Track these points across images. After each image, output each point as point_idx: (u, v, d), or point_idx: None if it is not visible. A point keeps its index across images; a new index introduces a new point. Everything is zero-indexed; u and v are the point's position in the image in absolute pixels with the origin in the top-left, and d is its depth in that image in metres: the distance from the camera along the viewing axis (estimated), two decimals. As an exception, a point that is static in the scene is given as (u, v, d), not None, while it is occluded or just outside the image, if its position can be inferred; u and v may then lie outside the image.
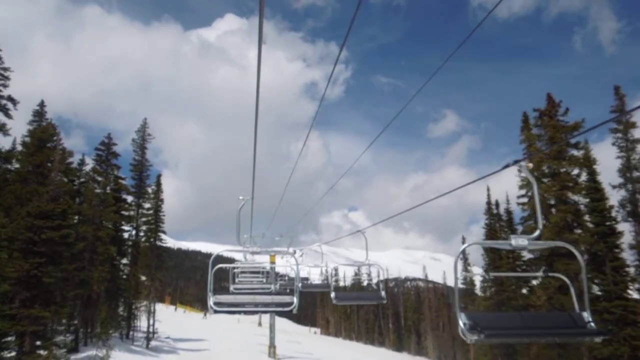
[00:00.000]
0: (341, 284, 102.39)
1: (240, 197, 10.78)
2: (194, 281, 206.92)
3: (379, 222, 10.20)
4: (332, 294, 10.41)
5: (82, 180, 35.58)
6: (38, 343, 21.49)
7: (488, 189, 38.71)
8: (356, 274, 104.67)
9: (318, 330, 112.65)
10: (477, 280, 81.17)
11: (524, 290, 32.04)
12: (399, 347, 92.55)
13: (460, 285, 78.42)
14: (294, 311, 8.03)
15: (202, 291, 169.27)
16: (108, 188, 35.66)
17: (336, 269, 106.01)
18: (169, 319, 70.48)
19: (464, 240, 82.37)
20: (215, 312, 7.78)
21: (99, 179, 34.47)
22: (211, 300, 7.72)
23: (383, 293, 11.03)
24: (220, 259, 8.31)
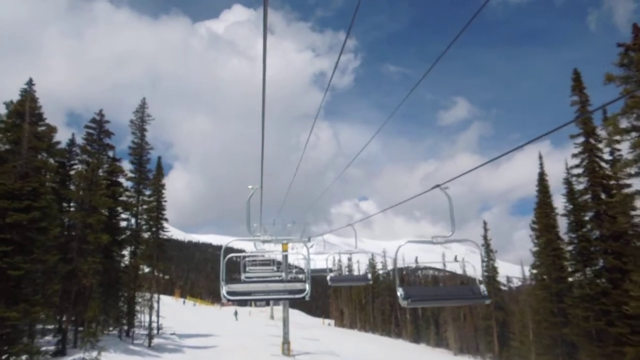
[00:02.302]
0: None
1: (250, 186, 10.84)
2: (204, 273, 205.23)
3: (461, 175, 6.37)
4: (400, 292, 6.25)
5: (72, 162, 32.06)
6: (12, 348, 17.94)
7: (540, 157, 33.30)
8: (371, 264, 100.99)
9: (332, 321, 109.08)
10: (503, 267, 77.15)
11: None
12: (416, 338, 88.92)
13: (486, 274, 74.44)
14: (307, 298, 7.89)
15: (213, 283, 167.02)
16: (100, 171, 31.98)
17: (339, 258, 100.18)
18: (177, 313, 67.14)
19: (485, 226, 78.13)
20: (228, 301, 7.91)
21: (90, 160, 30.73)
22: (224, 290, 7.68)
23: (483, 288, 6.83)
24: (230, 250, 8.60)
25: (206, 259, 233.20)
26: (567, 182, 27.80)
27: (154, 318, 41.13)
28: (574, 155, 26.90)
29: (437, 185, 6.63)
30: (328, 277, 14.41)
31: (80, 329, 27.27)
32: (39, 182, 19.84)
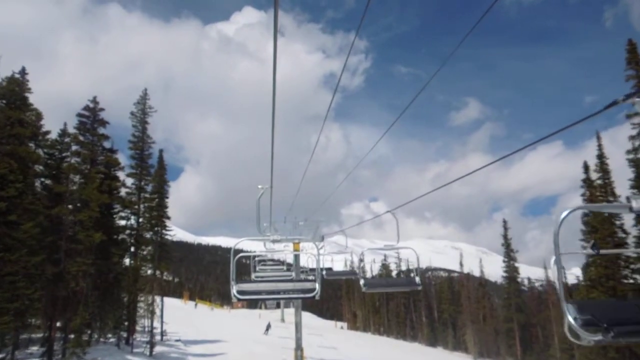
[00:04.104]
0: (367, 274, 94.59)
1: (259, 186, 11.00)
2: (214, 276, 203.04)
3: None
4: (571, 313, 3.04)
5: (64, 154, 29.29)
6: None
7: (598, 137, 29.27)
8: (383, 265, 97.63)
9: (344, 324, 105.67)
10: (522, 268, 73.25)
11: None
12: (432, 342, 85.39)
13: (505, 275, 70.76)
14: (317, 297, 7.61)
15: (223, 286, 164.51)
16: (95, 163, 29.21)
17: (351, 259, 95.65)
18: (187, 317, 64.38)
19: (505, 224, 74.40)
20: (239, 300, 7.90)
21: (82, 151, 27.90)
22: (234, 289, 7.61)
23: None
24: (240, 251, 8.98)
25: (216, 262, 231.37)
26: (636, 165, 23.99)
27: (158, 324, 38.49)
28: (632, 138, 23.74)
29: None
30: (362, 282, 10.79)
31: (72, 336, 24.44)
32: (8, 169, 17.08)
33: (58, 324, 24.90)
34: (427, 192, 9.18)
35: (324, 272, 19.99)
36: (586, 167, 28.98)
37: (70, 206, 26.96)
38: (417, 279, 10.74)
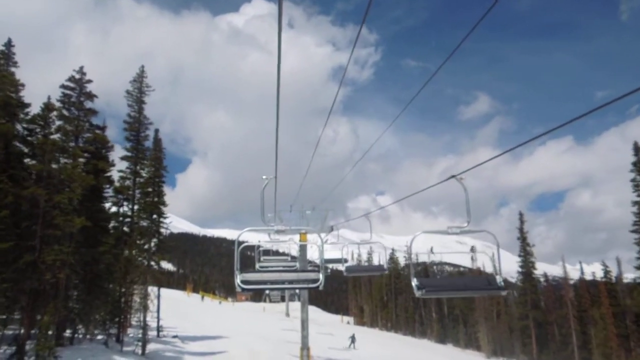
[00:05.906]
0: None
1: (264, 177, 10.78)
2: (219, 268, 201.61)
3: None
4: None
5: (48, 131, 26.25)
6: None
7: None
8: (391, 258, 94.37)
9: (350, 319, 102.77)
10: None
11: None
12: (442, 338, 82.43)
13: (519, 269, 67.54)
14: (320, 287, 7.76)
15: (227, 278, 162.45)
16: (81, 141, 26.18)
17: (358, 252, 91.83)
18: (189, 311, 61.69)
19: (521, 217, 71.16)
20: (243, 290, 7.89)
21: (67, 126, 24.83)
22: (238, 279, 7.64)
23: None
24: (245, 242, 8.99)
25: (221, 254, 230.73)
26: None
27: (156, 319, 35.75)
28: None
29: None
30: (414, 283, 7.16)
31: (50, 333, 21.56)
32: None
33: (44, 319, 22.14)
34: (491, 157, 7.08)
35: (344, 267, 17.61)
36: (637, 149, 24.87)
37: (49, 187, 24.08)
38: (499, 280, 7.31)
